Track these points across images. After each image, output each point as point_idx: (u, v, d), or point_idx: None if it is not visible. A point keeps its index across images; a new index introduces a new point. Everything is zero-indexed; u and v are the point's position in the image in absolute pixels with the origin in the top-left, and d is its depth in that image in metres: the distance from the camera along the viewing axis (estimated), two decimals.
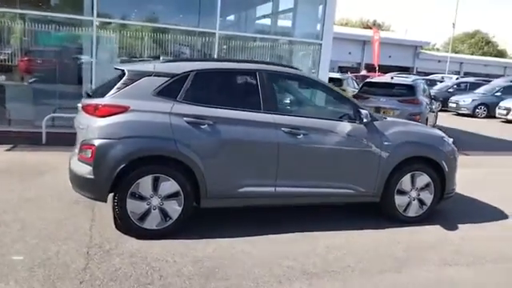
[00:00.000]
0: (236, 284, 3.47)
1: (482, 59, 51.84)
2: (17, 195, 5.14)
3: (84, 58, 9.37)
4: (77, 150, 4.37)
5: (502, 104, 18.65)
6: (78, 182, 4.26)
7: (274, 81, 4.76)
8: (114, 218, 4.42)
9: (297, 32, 11.14)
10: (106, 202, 4.25)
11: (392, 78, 12.20)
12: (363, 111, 4.77)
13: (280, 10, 11.77)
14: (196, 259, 3.82)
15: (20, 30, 9.09)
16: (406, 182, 5.00)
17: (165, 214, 4.21)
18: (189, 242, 4.13)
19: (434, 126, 11.36)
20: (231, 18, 12.04)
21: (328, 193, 4.80)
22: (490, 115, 19.22)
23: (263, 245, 4.23)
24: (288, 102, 5.39)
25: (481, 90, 21.41)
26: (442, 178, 5.13)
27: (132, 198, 4.10)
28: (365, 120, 4.76)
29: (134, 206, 4.12)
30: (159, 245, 4.02)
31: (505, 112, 18.25)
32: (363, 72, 31.78)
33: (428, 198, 5.11)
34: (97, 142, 4.06)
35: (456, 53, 50.68)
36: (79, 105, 4.53)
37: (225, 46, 10.04)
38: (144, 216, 4.16)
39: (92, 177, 4.07)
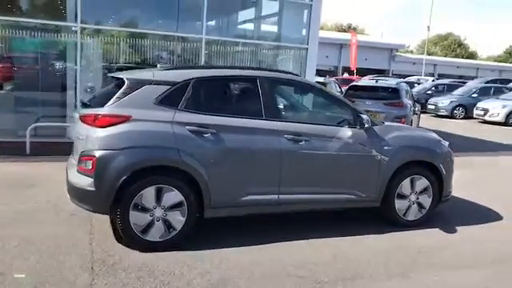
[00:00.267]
0: None
1: (455, 61, 53.11)
2: (9, 209, 4.94)
3: (68, 64, 9.13)
4: (74, 161, 4.23)
5: (479, 105, 19.10)
6: (78, 194, 4.12)
7: (274, 87, 4.73)
8: (114, 230, 4.31)
9: (284, 37, 11.12)
10: (108, 214, 4.14)
11: (377, 81, 12.28)
12: (364, 116, 4.78)
13: (265, 14, 11.73)
14: (204, 271, 3.73)
15: None
16: (405, 185, 5.03)
17: (168, 226, 4.11)
18: (194, 253, 4.04)
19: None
20: (219, 22, 12.00)
21: (330, 199, 4.78)
22: (468, 116, 19.69)
23: (269, 254, 4.17)
24: (289, 108, 5.36)
25: (458, 91, 21.90)
26: (439, 181, 5.18)
27: (135, 209, 3.99)
28: (366, 125, 4.76)
29: (136, 218, 4.01)
30: (164, 257, 3.92)
31: (482, 113, 18.69)
32: (345, 75, 32.11)
33: (427, 201, 5.15)
34: (98, 153, 3.94)
35: (430, 55, 51.69)
36: (76, 114, 4.40)
37: (206, 52, 9.94)
38: (147, 228, 4.06)
39: (93, 189, 3.94)
